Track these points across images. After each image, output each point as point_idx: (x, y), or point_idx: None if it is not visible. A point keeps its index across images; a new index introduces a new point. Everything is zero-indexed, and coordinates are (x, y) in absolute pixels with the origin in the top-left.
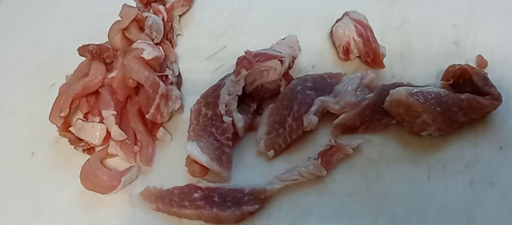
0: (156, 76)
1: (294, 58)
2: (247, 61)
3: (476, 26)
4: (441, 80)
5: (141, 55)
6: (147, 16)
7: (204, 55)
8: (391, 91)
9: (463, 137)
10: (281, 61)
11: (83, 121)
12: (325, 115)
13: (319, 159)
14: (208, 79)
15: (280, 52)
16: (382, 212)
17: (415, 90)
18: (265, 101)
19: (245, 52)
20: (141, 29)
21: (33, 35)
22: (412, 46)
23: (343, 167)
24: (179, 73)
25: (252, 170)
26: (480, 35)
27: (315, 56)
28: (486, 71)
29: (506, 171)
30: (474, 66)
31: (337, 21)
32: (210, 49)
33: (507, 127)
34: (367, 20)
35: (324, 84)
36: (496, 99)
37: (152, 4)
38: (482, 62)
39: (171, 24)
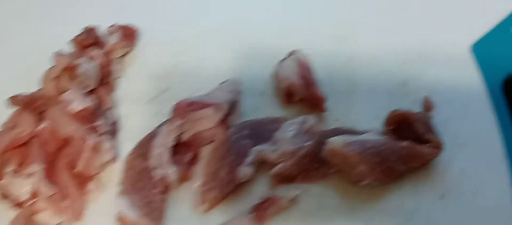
0: (85, 129)
1: (234, 103)
2: (181, 110)
3: (424, 65)
4: (384, 125)
5: (70, 107)
6: (79, 64)
7: (145, 98)
8: (328, 140)
9: (404, 186)
10: (218, 109)
11: (12, 174)
12: (263, 165)
13: (253, 213)
14: (147, 125)
15: (218, 99)
16: None
17: (353, 139)
18: (202, 150)
19: (177, 103)
20: (73, 77)
21: None
22: (358, 87)
23: (279, 220)
24: (116, 119)
25: (186, 224)
26: (429, 75)
27: (258, 99)
28: (431, 114)
29: (448, 220)
30: (421, 107)
31: (280, 62)
32: (151, 92)
33: (449, 174)
34: (312, 60)
35: (262, 131)
36: (437, 148)
37: (89, 49)
38: (428, 104)
39: (110, 68)
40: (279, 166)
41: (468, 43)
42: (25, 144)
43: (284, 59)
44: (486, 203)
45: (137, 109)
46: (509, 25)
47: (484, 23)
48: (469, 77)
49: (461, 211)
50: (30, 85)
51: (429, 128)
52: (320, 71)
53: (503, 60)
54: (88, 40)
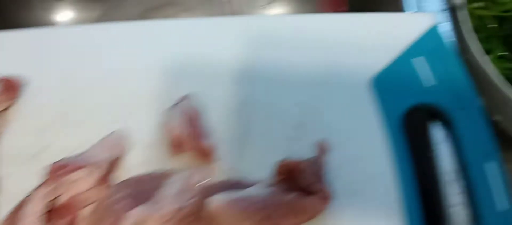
0: None
1: (116, 159)
2: (53, 173)
3: (320, 104)
4: (274, 175)
5: None
6: None
7: (26, 156)
8: (207, 200)
9: None
10: (93, 170)
11: None
12: None
13: None
14: (28, 186)
15: (95, 157)
16: None
17: (235, 196)
18: (80, 213)
19: (50, 166)
20: None
21: None
22: (251, 132)
23: None
24: None
25: None
26: (325, 115)
27: (146, 151)
28: (324, 160)
29: None
30: (315, 152)
31: (168, 111)
32: (33, 149)
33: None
34: (205, 106)
35: (146, 189)
36: (324, 199)
37: None
38: (323, 147)
39: None
40: None
41: (368, 77)
42: None
43: (173, 106)
44: None
45: (18, 169)
46: (411, 56)
47: (383, 56)
48: (368, 115)
49: None
50: None
51: (318, 177)
52: (214, 116)
53: (403, 93)
54: None
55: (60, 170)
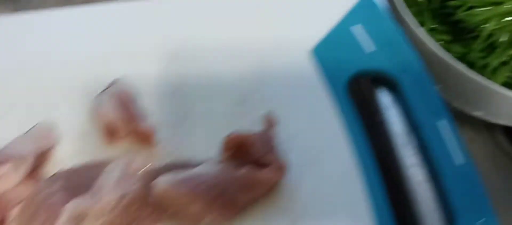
0: None
1: (45, 151)
2: None
3: (263, 77)
4: (221, 152)
5: None
6: None
7: None
8: (152, 183)
9: (249, 219)
10: (18, 164)
11: None
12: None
13: None
14: None
15: (20, 151)
16: None
17: (182, 176)
18: (9, 214)
19: None
20: None
21: None
22: (192, 112)
23: None
24: None
25: None
26: (269, 88)
27: (78, 142)
28: (273, 132)
29: None
30: (262, 126)
31: (98, 96)
32: None
33: (298, 197)
34: (139, 87)
35: (82, 180)
36: (279, 170)
37: None
38: (270, 121)
39: None
40: (102, 220)
41: (308, 48)
42: None
43: (102, 91)
44: (341, 222)
45: None
46: (349, 24)
47: (323, 24)
48: (312, 84)
49: None
50: None
51: (270, 148)
52: (148, 99)
53: (345, 61)
54: None
55: None
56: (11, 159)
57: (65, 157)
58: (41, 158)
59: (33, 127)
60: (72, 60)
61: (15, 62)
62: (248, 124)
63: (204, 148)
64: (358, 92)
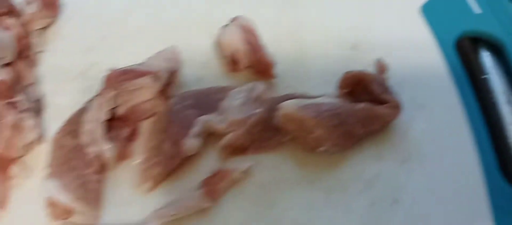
0: (2, 104)
1: (173, 72)
2: (113, 80)
3: (374, 28)
4: (338, 89)
5: None
6: None
7: (72, 74)
8: (280, 105)
9: (364, 151)
10: (156, 78)
11: None
12: (211, 136)
13: (203, 188)
14: (75, 102)
15: (155, 67)
16: None
17: (307, 102)
18: (141, 124)
19: (110, 69)
20: None
21: None
22: (307, 53)
23: (232, 195)
24: (40, 97)
25: (127, 207)
26: (380, 37)
27: (200, 69)
28: (385, 76)
29: (411, 186)
30: (373, 71)
31: (222, 29)
32: (79, 67)
33: (410, 136)
34: (257, 26)
35: (208, 100)
36: (395, 108)
37: (2, 17)
38: (381, 66)
39: (28, 40)
40: (229, 136)
41: (418, 4)
42: None
43: (226, 25)
44: (449, 164)
45: (63, 86)
46: None
47: None
48: (421, 38)
49: (424, 175)
50: None
51: (385, 88)
52: (265, 38)
53: (453, 20)
54: (1, 8)
55: (121, 76)
56: (150, 72)
57: (190, 81)
58: (170, 78)
59: (164, 49)
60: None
61: None
62: (361, 67)
63: (319, 85)
64: (464, 50)
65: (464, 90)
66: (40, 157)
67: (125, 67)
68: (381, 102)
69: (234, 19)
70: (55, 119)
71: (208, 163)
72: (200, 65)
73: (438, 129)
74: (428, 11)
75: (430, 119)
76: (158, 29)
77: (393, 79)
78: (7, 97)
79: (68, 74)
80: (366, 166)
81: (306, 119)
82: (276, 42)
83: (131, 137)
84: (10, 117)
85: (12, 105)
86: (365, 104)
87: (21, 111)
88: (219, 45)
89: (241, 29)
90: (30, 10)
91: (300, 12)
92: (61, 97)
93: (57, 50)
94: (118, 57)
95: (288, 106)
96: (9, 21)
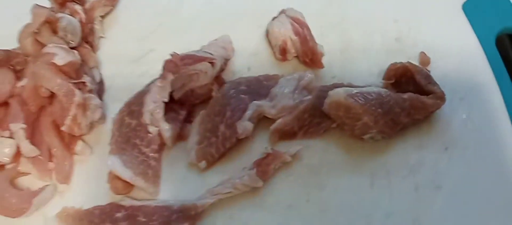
0: (71, 84)
1: (226, 60)
2: (173, 64)
3: (418, 22)
4: (383, 79)
5: (53, 61)
6: (60, 17)
7: (129, 59)
8: (329, 92)
9: (407, 139)
10: (212, 64)
11: None
12: (262, 121)
13: (255, 169)
14: (134, 86)
15: (211, 54)
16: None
17: (355, 90)
18: (196, 107)
19: (171, 54)
20: (55, 32)
21: None
22: (352, 44)
23: (281, 177)
24: (101, 79)
25: (182, 184)
26: (422, 32)
27: (250, 58)
28: (428, 69)
29: (452, 173)
30: (417, 64)
31: (272, 20)
32: (136, 53)
33: (452, 126)
34: (304, 18)
35: (259, 87)
36: (440, 98)
37: (68, 4)
38: (424, 59)
39: (92, 26)
40: (279, 120)
41: (459, 1)
42: (3, 103)
43: (276, 17)
44: (489, 154)
45: (122, 70)
46: None
47: None
48: (462, 33)
49: (465, 163)
50: (5, 42)
51: (430, 80)
52: (311, 30)
53: (494, 17)
54: None
55: (181, 61)
56: (208, 58)
57: (241, 69)
58: (223, 65)
59: (218, 37)
60: None
61: None
62: (404, 59)
63: (364, 75)
64: (503, 46)
65: (503, 84)
66: (101, 135)
67: (184, 53)
68: (425, 93)
69: (283, 11)
70: (114, 101)
71: (259, 146)
72: (250, 54)
73: (478, 120)
74: (469, 8)
75: (470, 110)
76: (210, 19)
77: (434, 72)
78: (76, 77)
79: (126, 60)
80: (410, 153)
81: (354, 106)
82: (322, 34)
83: (187, 118)
84: (78, 96)
85: (80, 85)
86: (410, 94)
87: (87, 92)
88: (269, 35)
89: (290, 20)
90: None
91: (345, 5)
92: (119, 81)
93: (115, 36)
94: (172, 45)
95: (337, 94)
96: (75, 7)
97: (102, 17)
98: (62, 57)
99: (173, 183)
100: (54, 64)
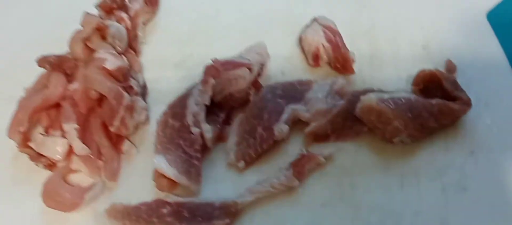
0: (119, 87)
1: (263, 65)
2: (214, 69)
3: (444, 30)
4: (412, 85)
5: (104, 66)
6: (109, 25)
7: (170, 63)
8: (361, 98)
9: (435, 142)
10: (250, 69)
11: (43, 135)
12: (296, 124)
13: (291, 169)
14: (175, 89)
15: (249, 60)
16: (356, 222)
17: (386, 96)
18: (234, 111)
19: (212, 60)
20: (103, 38)
21: None
22: (381, 51)
23: (316, 177)
24: (145, 83)
25: (222, 183)
26: (449, 39)
27: (284, 63)
28: (455, 76)
29: (478, 175)
30: (443, 70)
31: (305, 27)
32: (176, 57)
33: (477, 130)
34: (336, 26)
35: (294, 91)
36: (466, 104)
37: (115, 12)
38: (451, 66)
39: (135, 32)
40: (314, 124)
41: (484, 10)
42: (55, 105)
43: (308, 25)
44: None
45: (163, 74)
46: None
47: None
48: (486, 41)
49: (490, 166)
50: (53, 47)
51: (457, 86)
52: (343, 37)
53: None
54: (113, 4)
55: (222, 67)
56: (246, 64)
57: (275, 74)
58: (260, 70)
59: (255, 44)
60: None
61: None
62: (431, 66)
63: (392, 83)
64: None
65: None
66: (145, 136)
67: (224, 58)
68: (452, 99)
69: (316, 19)
70: (156, 104)
71: (294, 147)
72: (283, 60)
73: (503, 125)
74: (493, 17)
75: (494, 116)
76: (245, 26)
77: (460, 79)
78: (123, 81)
79: (167, 64)
80: (437, 156)
81: (385, 110)
82: (351, 41)
83: (227, 121)
84: (126, 99)
85: (128, 89)
86: (438, 100)
87: (134, 95)
88: (302, 42)
89: (323, 28)
90: (135, 5)
91: (374, 13)
92: (161, 84)
93: (156, 42)
94: (211, 50)
95: (369, 99)
96: (121, 15)
97: (144, 23)
98: (112, 62)
99: (214, 182)
100: (104, 68)
